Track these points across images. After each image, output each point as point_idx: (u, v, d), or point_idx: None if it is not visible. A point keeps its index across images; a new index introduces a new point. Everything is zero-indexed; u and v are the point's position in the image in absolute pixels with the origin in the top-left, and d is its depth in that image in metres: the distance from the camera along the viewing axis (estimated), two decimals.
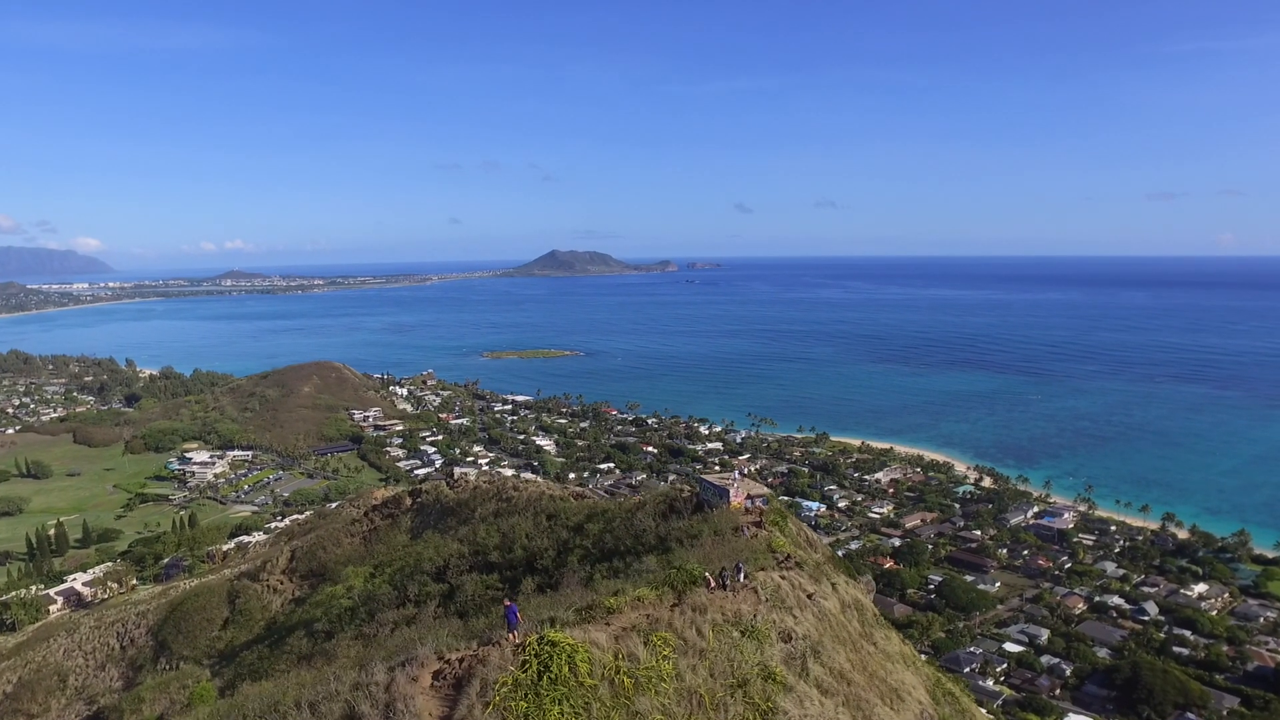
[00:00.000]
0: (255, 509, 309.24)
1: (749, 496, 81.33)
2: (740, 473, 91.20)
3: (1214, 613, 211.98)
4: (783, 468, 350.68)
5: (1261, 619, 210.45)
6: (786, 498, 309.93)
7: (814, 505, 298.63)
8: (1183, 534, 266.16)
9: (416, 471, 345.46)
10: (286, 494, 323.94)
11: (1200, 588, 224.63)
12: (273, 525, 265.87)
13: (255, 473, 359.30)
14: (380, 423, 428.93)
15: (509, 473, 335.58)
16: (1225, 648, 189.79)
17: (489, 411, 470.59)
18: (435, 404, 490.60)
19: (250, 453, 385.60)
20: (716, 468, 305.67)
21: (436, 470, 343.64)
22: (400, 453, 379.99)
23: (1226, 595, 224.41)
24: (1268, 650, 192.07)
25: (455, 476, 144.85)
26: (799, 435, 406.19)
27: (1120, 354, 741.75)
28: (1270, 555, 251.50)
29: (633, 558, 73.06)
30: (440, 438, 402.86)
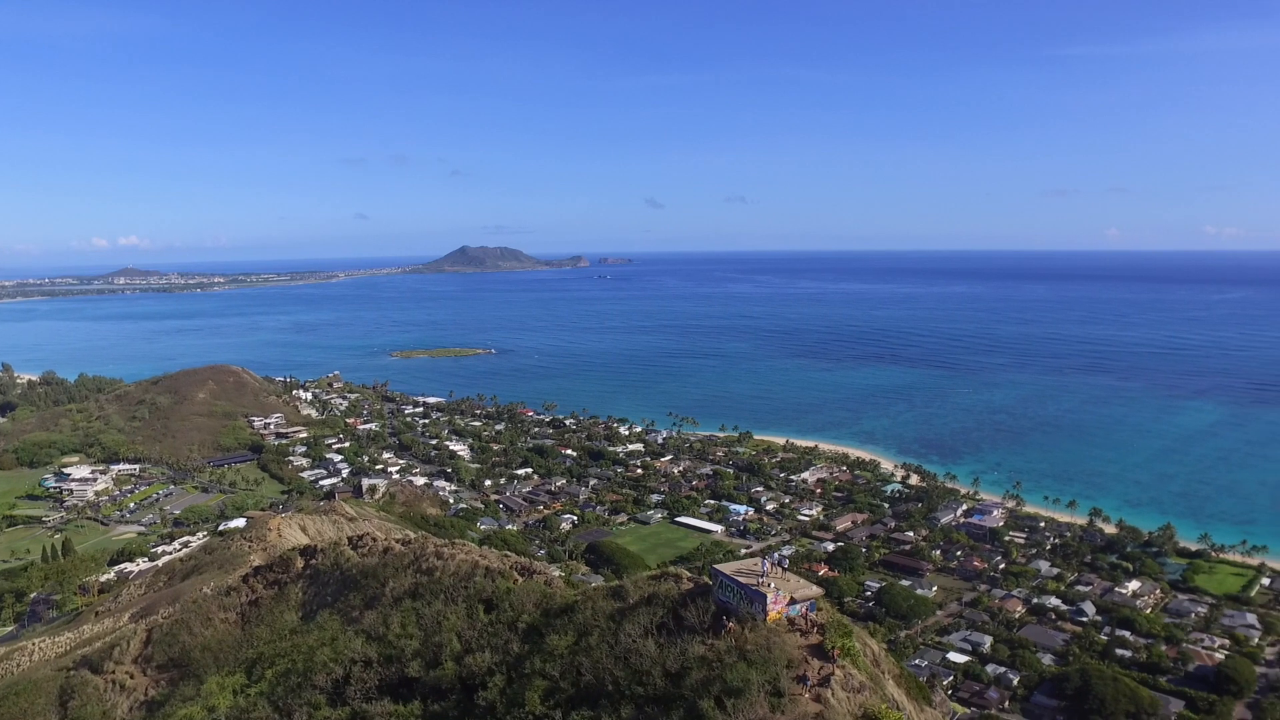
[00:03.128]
0: (142, 529, 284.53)
1: (792, 601, 59.61)
2: (772, 560, 66.75)
3: (1149, 611, 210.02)
4: (707, 469, 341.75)
5: (1193, 615, 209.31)
6: (713, 500, 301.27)
7: (741, 509, 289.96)
8: (1110, 529, 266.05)
9: (322, 482, 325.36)
10: (177, 511, 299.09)
11: (1133, 585, 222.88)
12: (160, 550, 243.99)
13: (143, 488, 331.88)
14: (282, 430, 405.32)
15: (421, 481, 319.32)
16: (1165, 648, 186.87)
17: (399, 415, 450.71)
18: (342, 408, 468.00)
19: (138, 466, 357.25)
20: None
21: (343, 480, 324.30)
22: (304, 462, 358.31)
23: (1158, 591, 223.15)
24: (1204, 648, 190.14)
25: (361, 538, 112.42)
26: (721, 434, 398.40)
27: (1025, 346, 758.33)
28: (1194, 548, 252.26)
29: (632, 709, 53.88)
30: (348, 445, 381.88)
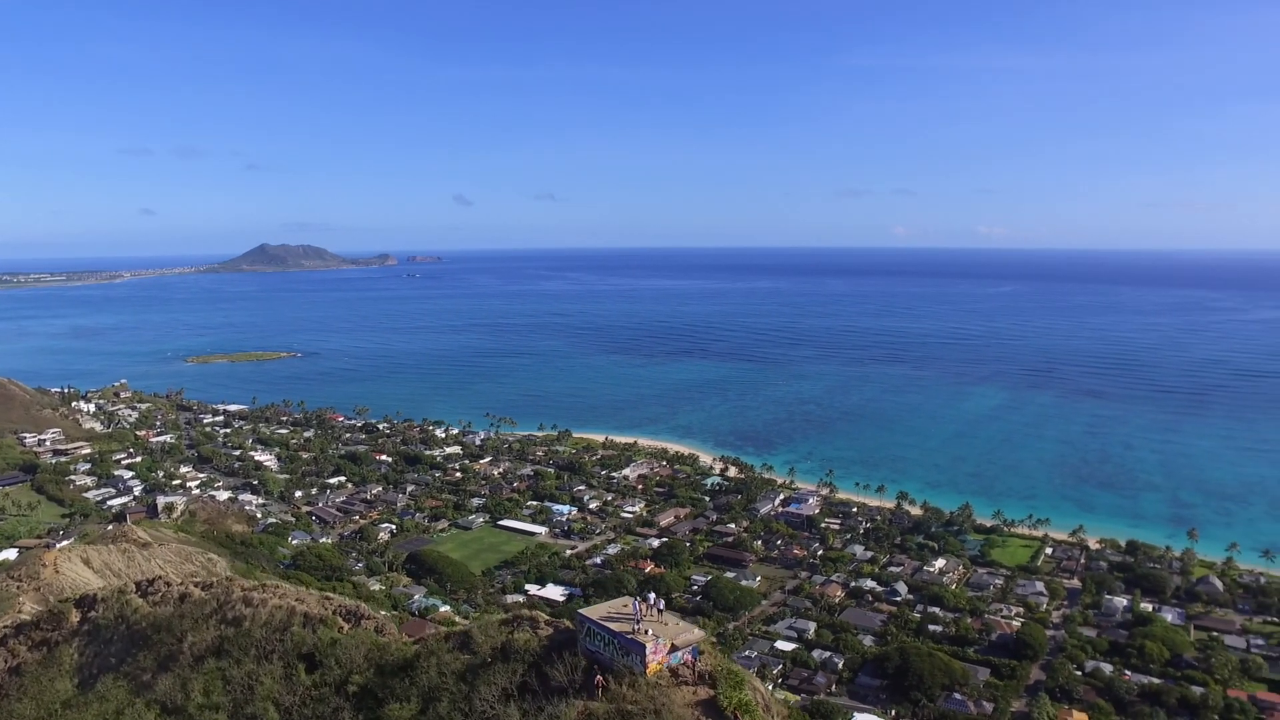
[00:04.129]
0: None
1: (674, 648, 52.33)
2: (645, 600, 56.86)
3: (954, 586, 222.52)
4: (528, 470, 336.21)
5: (992, 586, 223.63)
6: (535, 501, 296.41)
7: (565, 509, 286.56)
8: (916, 511, 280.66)
9: (110, 502, 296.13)
10: None
11: (940, 563, 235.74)
12: None
13: None
14: (61, 446, 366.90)
15: (224, 496, 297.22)
16: (970, 620, 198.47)
17: (197, 425, 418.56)
18: (132, 420, 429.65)
19: None
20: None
21: (135, 500, 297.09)
22: (89, 481, 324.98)
23: (961, 568, 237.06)
24: (1003, 618, 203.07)
25: (152, 583, 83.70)
26: (540, 434, 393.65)
27: (827, 339, 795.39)
28: (989, 524, 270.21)
29: None
30: (139, 460, 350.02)
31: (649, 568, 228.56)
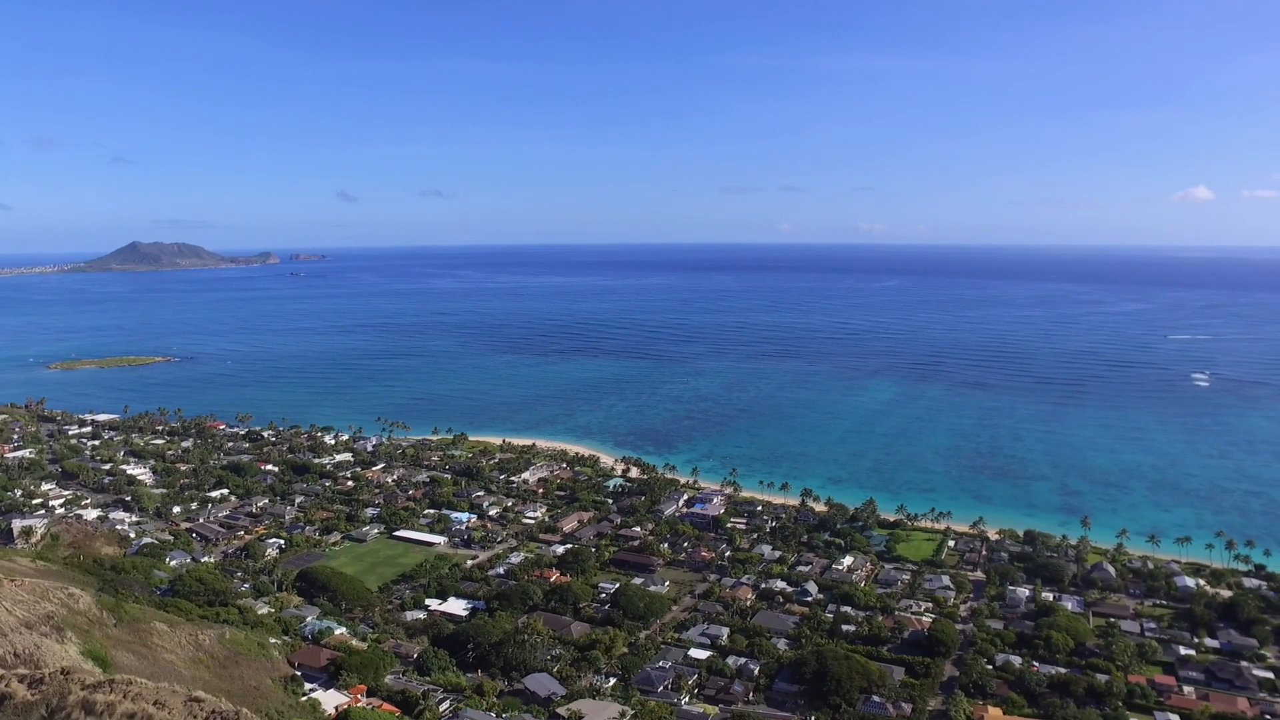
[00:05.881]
0: None
1: None
2: None
3: (863, 584, 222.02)
4: (424, 476, 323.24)
5: (899, 582, 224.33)
6: (432, 509, 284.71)
7: (464, 516, 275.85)
8: (820, 507, 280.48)
9: None
10: None
11: (848, 560, 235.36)
12: None
13: None
14: None
15: (93, 515, 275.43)
16: (882, 618, 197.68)
17: (61, 437, 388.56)
18: None
19: None
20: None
21: None
22: None
23: (869, 564, 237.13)
24: (913, 614, 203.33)
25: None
26: (435, 438, 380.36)
27: (720, 335, 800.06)
28: (893, 519, 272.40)
29: None
30: None
31: (554, 577, 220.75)
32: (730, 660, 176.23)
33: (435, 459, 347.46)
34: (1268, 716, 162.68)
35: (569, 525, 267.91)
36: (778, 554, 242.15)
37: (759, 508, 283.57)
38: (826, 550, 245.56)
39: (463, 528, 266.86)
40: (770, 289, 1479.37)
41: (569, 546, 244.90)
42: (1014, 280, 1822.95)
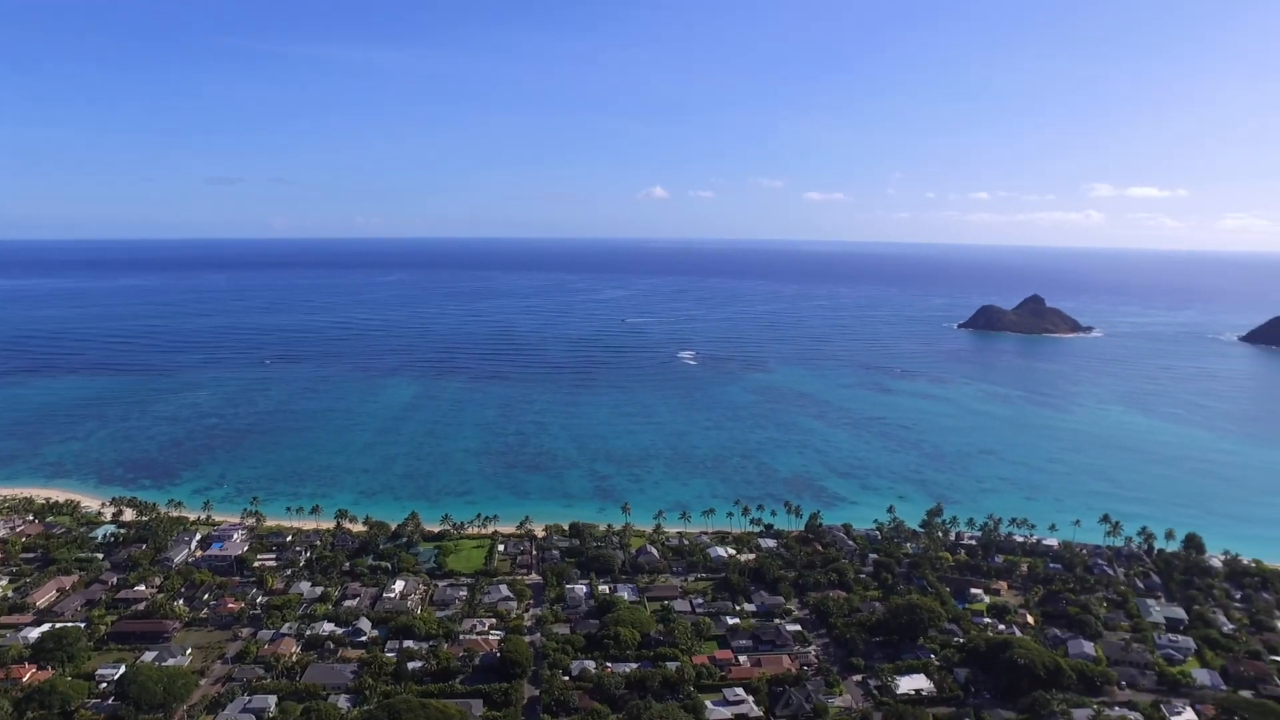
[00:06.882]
0: None
1: None
2: None
3: (420, 611, 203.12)
4: None
5: (457, 600, 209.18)
6: None
7: None
8: (359, 528, 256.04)
9: None
10: None
11: (399, 585, 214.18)
12: None
13: None
14: None
15: None
16: (448, 646, 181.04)
17: None
18: None
19: None
20: None
21: None
22: None
23: (422, 586, 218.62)
24: (479, 634, 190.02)
25: None
26: None
27: (216, 340, 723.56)
28: (438, 530, 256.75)
29: None
30: None
31: (28, 675, 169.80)
32: None
33: None
34: (806, 668, 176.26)
35: (44, 598, 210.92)
36: (319, 590, 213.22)
37: (290, 538, 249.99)
38: (374, 577, 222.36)
39: None
40: (268, 287, 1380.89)
41: (47, 627, 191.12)
42: (513, 271, 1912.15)
